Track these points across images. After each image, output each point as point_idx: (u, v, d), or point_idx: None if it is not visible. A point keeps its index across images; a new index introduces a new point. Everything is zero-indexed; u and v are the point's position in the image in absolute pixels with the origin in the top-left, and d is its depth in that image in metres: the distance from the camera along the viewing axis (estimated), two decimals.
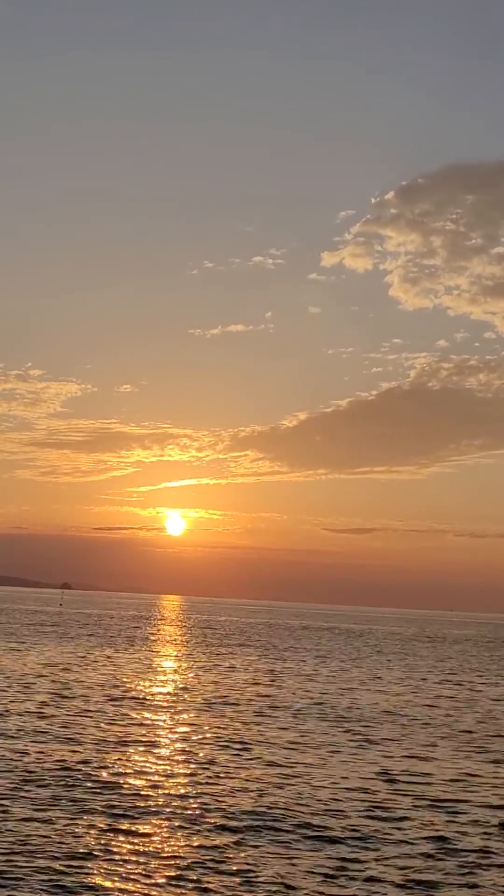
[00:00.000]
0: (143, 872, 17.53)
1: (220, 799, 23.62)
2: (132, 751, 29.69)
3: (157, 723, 35.99)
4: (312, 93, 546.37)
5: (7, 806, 21.82)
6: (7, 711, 36.19)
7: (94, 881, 16.91)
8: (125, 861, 18.14)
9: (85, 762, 27.23)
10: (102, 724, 34.50)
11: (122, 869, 17.64)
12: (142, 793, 23.97)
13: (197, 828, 20.82)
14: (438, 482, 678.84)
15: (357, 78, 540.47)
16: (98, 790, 23.90)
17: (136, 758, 28.57)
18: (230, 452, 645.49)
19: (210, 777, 26.25)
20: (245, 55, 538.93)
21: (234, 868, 18.13)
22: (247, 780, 26.02)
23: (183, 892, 16.71)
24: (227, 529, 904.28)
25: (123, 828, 20.47)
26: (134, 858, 18.33)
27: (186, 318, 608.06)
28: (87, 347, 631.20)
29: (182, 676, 56.06)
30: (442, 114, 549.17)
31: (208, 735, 33.47)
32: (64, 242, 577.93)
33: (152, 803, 22.91)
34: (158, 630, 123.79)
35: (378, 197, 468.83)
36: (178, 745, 31.17)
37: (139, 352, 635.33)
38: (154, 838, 19.84)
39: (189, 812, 22.19)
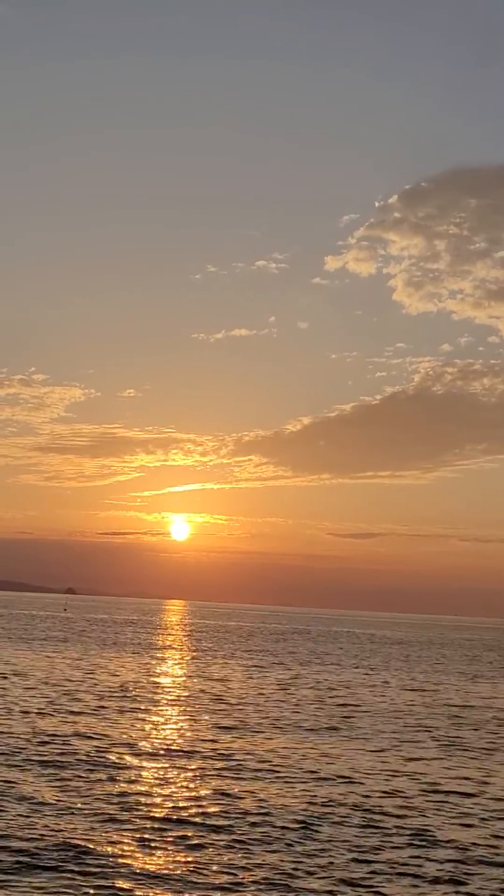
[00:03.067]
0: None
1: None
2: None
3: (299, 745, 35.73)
4: (316, 98, 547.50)
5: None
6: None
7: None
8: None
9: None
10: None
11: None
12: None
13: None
14: (443, 487, 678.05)
15: (360, 83, 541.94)
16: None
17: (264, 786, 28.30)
18: (234, 457, 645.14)
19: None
20: (247, 61, 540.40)
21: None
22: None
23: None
24: (232, 534, 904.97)
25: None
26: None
27: (190, 322, 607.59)
28: (90, 352, 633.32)
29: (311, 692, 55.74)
30: (445, 118, 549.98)
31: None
32: (67, 248, 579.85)
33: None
34: (197, 639, 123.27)
35: (381, 201, 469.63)
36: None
37: (142, 356, 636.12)
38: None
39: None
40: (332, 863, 19.21)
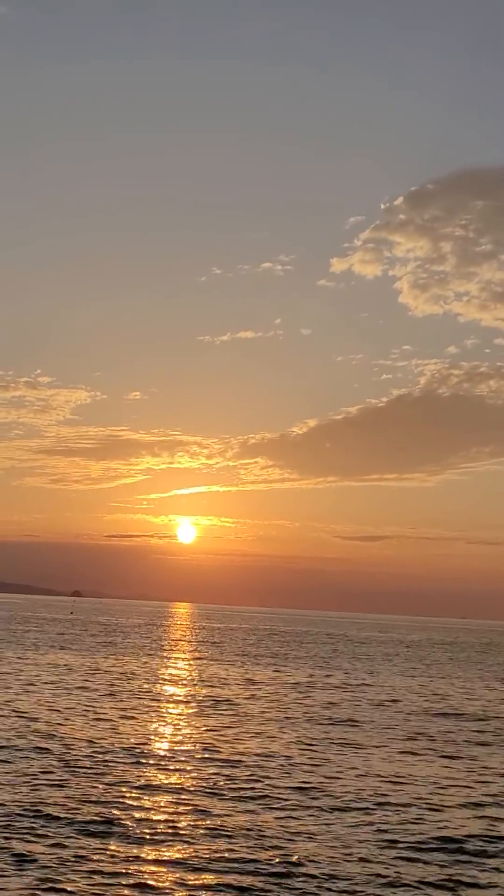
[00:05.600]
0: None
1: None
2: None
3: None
4: (321, 100, 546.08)
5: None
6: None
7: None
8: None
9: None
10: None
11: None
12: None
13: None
14: (449, 489, 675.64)
15: (366, 85, 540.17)
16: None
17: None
18: (240, 460, 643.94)
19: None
20: (253, 64, 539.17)
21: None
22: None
23: None
24: (239, 537, 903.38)
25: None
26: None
27: (195, 325, 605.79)
28: (96, 355, 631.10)
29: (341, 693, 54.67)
30: (451, 119, 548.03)
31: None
32: (73, 251, 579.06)
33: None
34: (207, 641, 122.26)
35: (387, 203, 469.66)
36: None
37: (148, 359, 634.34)
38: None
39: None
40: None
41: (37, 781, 24.87)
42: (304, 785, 26.33)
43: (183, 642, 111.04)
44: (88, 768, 26.96)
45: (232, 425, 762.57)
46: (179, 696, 48.45)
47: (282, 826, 21.71)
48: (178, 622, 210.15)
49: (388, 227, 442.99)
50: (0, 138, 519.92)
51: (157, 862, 18.38)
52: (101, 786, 24.75)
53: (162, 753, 30.33)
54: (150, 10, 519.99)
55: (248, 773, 27.64)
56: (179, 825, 21.17)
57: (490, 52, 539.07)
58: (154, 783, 25.61)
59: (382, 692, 56.34)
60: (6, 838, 19.44)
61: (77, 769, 26.76)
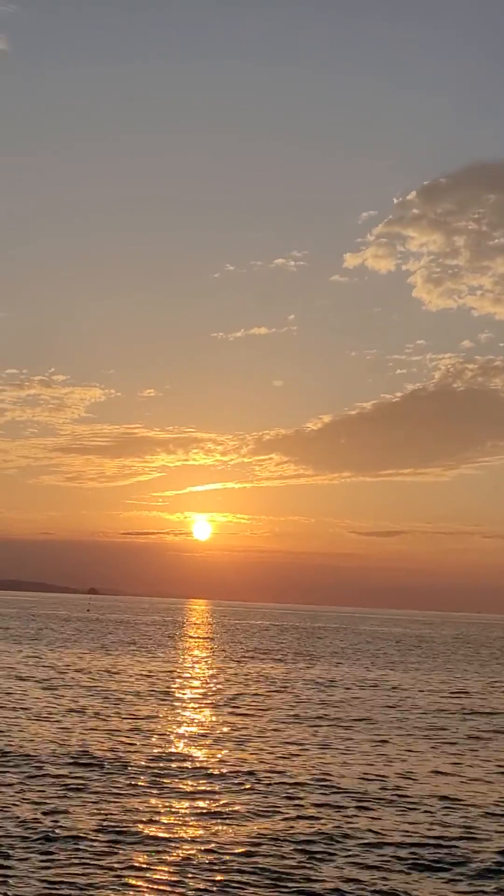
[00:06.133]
0: None
1: None
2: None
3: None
4: (333, 94, 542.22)
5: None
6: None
7: None
8: None
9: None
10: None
11: None
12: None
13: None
14: (465, 484, 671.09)
15: (378, 78, 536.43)
16: None
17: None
18: (255, 456, 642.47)
19: None
20: (264, 61, 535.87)
21: None
22: None
23: None
24: (255, 533, 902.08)
25: None
26: None
27: (209, 321, 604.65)
28: (110, 352, 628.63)
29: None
30: (463, 113, 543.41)
31: None
32: (85, 250, 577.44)
33: None
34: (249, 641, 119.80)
35: (400, 197, 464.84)
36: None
37: (162, 356, 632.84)
38: None
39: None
40: None
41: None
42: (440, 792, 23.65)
43: (205, 639, 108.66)
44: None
45: (246, 422, 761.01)
46: (209, 695, 45.87)
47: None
48: (197, 619, 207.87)
49: (401, 221, 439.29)
50: (13, 137, 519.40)
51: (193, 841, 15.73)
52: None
53: (194, 742, 27.76)
54: (162, 9, 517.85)
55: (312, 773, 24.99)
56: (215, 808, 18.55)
57: (501, 44, 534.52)
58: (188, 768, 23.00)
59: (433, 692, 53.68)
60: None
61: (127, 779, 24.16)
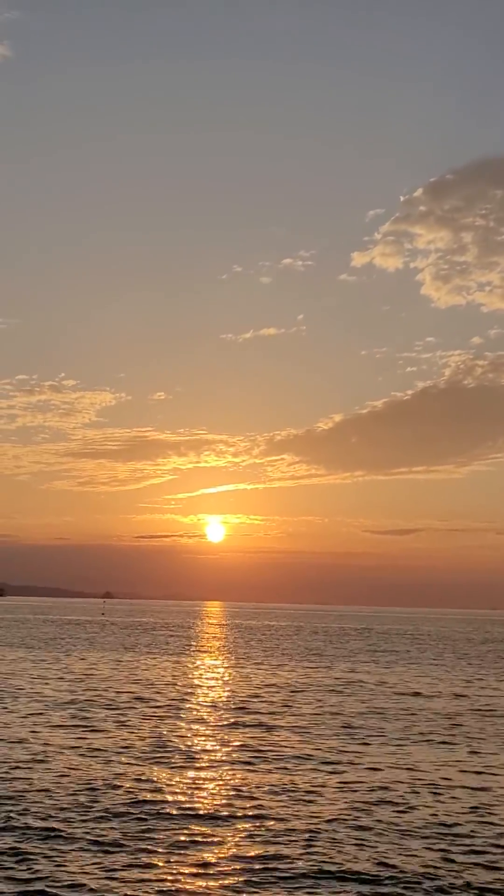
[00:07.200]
0: None
1: None
2: None
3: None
4: (338, 93, 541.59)
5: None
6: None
7: None
8: None
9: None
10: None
11: None
12: None
13: None
14: (477, 480, 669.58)
15: (382, 76, 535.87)
16: None
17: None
18: (266, 457, 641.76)
19: None
20: (269, 61, 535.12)
21: None
22: None
23: None
24: (268, 534, 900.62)
25: None
26: None
27: (218, 323, 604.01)
28: (119, 356, 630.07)
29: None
30: (468, 110, 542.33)
31: None
32: (93, 254, 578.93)
33: None
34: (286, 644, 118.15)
35: (407, 195, 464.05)
36: None
37: (172, 359, 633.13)
38: None
39: None
40: None
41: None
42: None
43: (224, 642, 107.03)
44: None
45: (257, 423, 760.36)
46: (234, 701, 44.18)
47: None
48: (214, 621, 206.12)
49: (409, 219, 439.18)
50: (17, 142, 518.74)
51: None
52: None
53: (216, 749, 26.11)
54: (164, 10, 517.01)
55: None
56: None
57: None
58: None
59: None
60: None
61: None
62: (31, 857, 17.71)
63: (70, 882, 16.27)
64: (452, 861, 18.26)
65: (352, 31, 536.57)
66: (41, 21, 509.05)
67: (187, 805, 22.14)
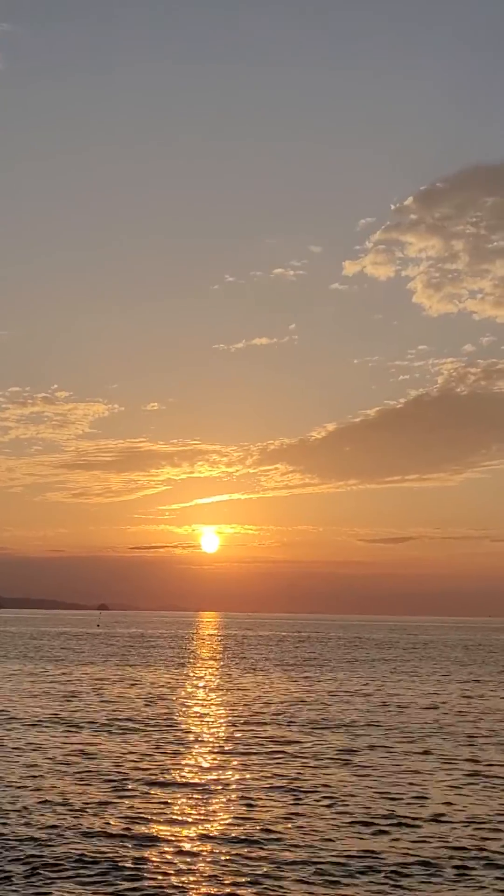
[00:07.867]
0: None
1: None
2: None
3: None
4: (327, 101, 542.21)
5: None
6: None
7: None
8: None
9: None
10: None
11: None
12: None
13: None
14: (471, 488, 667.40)
15: (371, 84, 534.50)
16: None
17: None
18: (260, 466, 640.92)
19: None
20: (258, 66, 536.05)
21: None
22: None
23: None
24: (263, 544, 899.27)
25: None
26: None
27: (210, 333, 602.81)
28: (112, 367, 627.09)
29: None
30: (459, 116, 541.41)
31: None
32: (84, 264, 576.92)
33: None
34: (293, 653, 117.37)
35: (397, 203, 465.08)
36: None
37: (164, 369, 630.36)
38: None
39: None
40: None
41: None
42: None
43: (219, 652, 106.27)
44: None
45: (251, 432, 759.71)
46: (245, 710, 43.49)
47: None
48: (209, 632, 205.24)
49: (399, 227, 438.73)
50: (9, 153, 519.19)
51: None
52: None
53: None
54: (159, 17, 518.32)
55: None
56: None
57: (497, 47, 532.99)
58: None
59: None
60: None
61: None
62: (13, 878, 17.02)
63: None
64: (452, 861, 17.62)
65: (342, 38, 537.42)
66: (33, 33, 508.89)
67: (179, 822, 21.48)
